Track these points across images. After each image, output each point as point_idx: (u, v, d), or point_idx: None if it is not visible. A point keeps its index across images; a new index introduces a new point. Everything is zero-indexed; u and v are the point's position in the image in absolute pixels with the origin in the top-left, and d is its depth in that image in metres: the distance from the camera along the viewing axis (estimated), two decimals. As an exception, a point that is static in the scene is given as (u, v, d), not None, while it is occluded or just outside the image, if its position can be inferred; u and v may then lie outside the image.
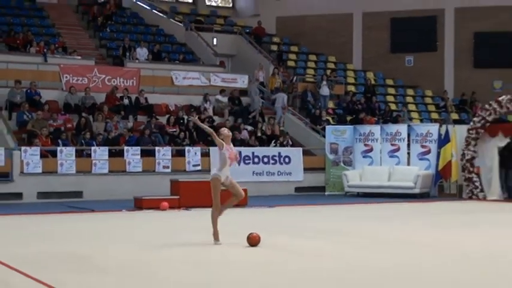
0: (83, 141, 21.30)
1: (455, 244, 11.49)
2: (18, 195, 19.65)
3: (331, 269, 8.98)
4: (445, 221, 15.25)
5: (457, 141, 21.84)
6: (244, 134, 23.99)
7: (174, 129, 23.27)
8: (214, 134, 10.98)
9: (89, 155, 20.71)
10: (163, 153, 21.41)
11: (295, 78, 29.36)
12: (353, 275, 8.58)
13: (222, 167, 10.90)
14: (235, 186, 11.07)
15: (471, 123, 22.00)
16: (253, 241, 10.58)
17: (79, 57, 26.51)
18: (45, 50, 25.84)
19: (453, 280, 8.21)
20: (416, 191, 21.66)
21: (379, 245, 11.24)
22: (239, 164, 22.36)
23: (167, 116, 24.21)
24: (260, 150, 23.14)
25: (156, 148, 21.49)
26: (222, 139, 10.98)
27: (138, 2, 33.61)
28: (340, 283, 8.13)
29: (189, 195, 17.89)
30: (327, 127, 24.55)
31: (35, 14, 30.01)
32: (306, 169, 23.49)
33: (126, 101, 24.27)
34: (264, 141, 24.08)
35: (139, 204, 17.64)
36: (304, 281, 8.13)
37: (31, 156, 19.83)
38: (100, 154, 20.69)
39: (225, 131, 11.27)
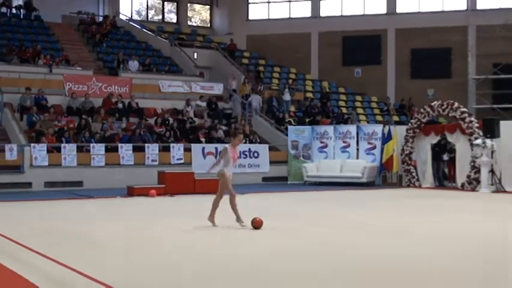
0: (83, 139, 21.12)
1: (399, 222, 11.63)
2: (28, 184, 19.47)
3: (307, 244, 8.99)
4: (389, 205, 15.37)
5: (397, 139, 21.97)
6: (220, 133, 23.94)
7: (161, 129, 23.14)
8: (220, 160, 10.87)
9: (88, 151, 20.51)
10: (152, 149, 21.29)
11: (262, 86, 29.35)
12: (329, 248, 8.62)
13: (226, 165, 10.64)
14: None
15: (409, 124, 22.15)
16: (257, 224, 10.36)
17: (80, 68, 26.33)
18: (51, 62, 25.63)
19: (399, 255, 8.29)
20: (364, 180, 21.76)
21: (340, 223, 11.36)
22: (216, 158, 22.38)
23: (155, 118, 24.07)
24: (233, 147, 23.07)
25: (146, 145, 21.36)
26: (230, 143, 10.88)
27: (130, 22, 33.51)
28: (321, 256, 8.14)
29: (173, 184, 17.91)
30: (289, 127, 24.57)
31: (43, 32, 29.66)
32: (271, 162, 23.52)
33: (120, 105, 24.09)
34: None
35: (132, 191, 17.53)
36: (286, 254, 8.14)
37: (39, 152, 19.65)
38: (98, 150, 20.53)
39: (240, 136, 11.04)
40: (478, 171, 19.14)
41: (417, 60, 32.23)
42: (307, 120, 27.16)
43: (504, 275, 6.91)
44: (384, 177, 23.25)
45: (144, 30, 32.67)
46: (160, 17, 36.57)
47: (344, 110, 29.70)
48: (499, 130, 19.14)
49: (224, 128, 24.65)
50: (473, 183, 19.44)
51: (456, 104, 20.48)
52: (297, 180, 23.11)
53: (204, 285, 6.40)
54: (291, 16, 34.60)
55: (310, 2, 34.22)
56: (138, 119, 23.55)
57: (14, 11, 30.76)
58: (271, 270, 7.04)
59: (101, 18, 32.23)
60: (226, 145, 11.01)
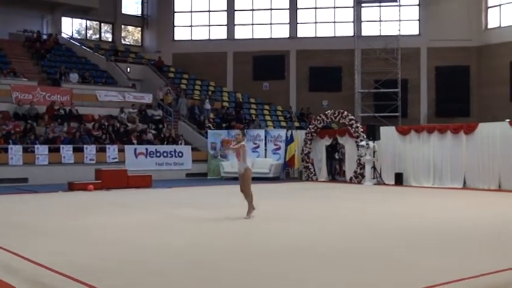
0: (28, 141, 20.31)
1: (301, 207, 11.79)
2: (-22, 181, 18.58)
3: (232, 228, 8.97)
4: (292, 194, 15.61)
5: (298, 141, 22.32)
6: (150, 136, 23.58)
7: (98, 133, 22.54)
8: (236, 148, 9.98)
9: (33, 151, 19.76)
10: (90, 150, 20.75)
11: (186, 96, 29.11)
12: (253, 230, 8.61)
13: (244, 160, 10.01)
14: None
15: (308, 129, 22.53)
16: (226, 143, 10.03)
17: (25, 79, 25.25)
18: (-1, 74, 24.54)
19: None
20: (271, 175, 21.98)
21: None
22: (146, 158, 22.04)
23: (93, 123, 23.40)
24: (161, 147, 22.83)
25: (84, 146, 20.81)
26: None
27: (71, 40, 32.45)
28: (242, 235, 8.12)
29: (109, 179, 17.49)
30: (209, 131, 24.50)
31: (-9, 47, 28.37)
32: (193, 160, 23.38)
33: (62, 112, 23.32)
34: (164, 141, 23.77)
35: (72, 187, 16.99)
36: (210, 236, 8.09)
37: (-12, 152, 18.79)
38: (42, 150, 19.81)
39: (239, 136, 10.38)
40: (363, 167, 19.72)
41: (314, 76, 32.79)
42: (224, 125, 27.16)
43: (358, 249, 7.21)
44: (287, 172, 23.55)
45: (84, 47, 31.71)
46: (97, 36, 35.63)
47: (254, 117, 29.84)
48: (379, 134, 19.78)
49: (153, 131, 24.31)
50: (359, 177, 20.00)
51: (345, 113, 21.00)
52: (215, 176, 23.06)
53: (134, 257, 6.30)
54: (210, 38, 34.50)
55: (226, 26, 34.28)
56: (78, 123, 22.84)
57: (-35, 28, 29.24)
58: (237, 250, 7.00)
59: (45, 36, 31.12)
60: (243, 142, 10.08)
